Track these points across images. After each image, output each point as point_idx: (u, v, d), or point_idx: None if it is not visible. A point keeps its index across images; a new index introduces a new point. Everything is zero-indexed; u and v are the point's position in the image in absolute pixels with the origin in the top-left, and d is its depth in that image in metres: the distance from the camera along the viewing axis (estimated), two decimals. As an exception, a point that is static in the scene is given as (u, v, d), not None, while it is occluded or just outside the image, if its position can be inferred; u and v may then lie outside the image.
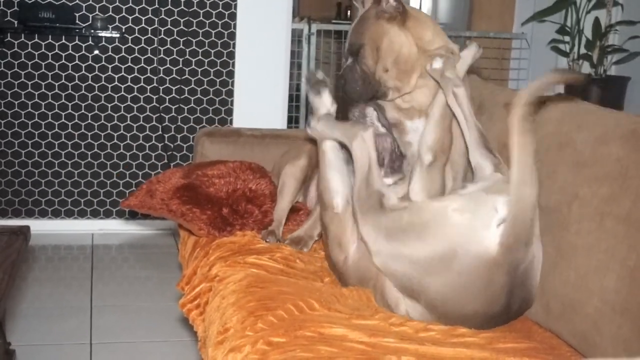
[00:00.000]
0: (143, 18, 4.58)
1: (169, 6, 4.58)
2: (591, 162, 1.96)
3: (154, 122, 4.69)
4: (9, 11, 4.41)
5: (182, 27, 4.62)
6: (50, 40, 4.49)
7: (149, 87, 4.65)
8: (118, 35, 4.54)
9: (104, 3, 4.51)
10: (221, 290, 2.23)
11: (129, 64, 4.61)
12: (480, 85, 2.76)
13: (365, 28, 2.35)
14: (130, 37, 4.59)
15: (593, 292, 1.84)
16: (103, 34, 4.51)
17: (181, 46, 4.65)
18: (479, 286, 1.91)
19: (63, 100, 4.55)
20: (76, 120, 4.59)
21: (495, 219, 1.90)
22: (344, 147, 2.29)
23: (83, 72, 4.56)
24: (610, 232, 1.83)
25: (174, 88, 4.68)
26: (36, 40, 4.48)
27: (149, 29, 4.59)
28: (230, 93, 4.73)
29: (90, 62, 4.56)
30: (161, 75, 4.65)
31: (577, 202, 1.95)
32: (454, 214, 1.94)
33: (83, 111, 4.59)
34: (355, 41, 2.36)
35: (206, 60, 4.69)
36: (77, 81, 4.56)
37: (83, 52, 4.54)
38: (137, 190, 2.90)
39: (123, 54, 4.59)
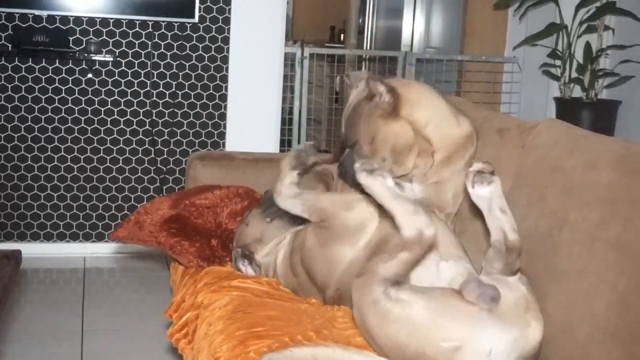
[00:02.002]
0: (136, 42, 4.60)
1: (162, 30, 4.60)
2: (581, 186, 1.97)
3: (146, 146, 4.70)
4: (3, 35, 4.42)
5: (175, 50, 4.64)
6: (44, 64, 4.51)
7: (142, 111, 4.66)
8: (111, 58, 4.56)
9: (97, 27, 4.53)
10: (207, 317, 2.22)
11: (122, 87, 4.62)
12: (473, 110, 2.77)
13: (358, 124, 2.33)
14: (123, 61, 4.60)
15: (583, 317, 1.84)
16: (97, 57, 4.53)
17: (174, 70, 4.66)
18: None
19: (56, 124, 4.56)
20: (69, 144, 4.60)
21: None
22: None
23: (76, 95, 4.57)
24: (601, 257, 1.83)
25: (166, 111, 4.70)
26: (30, 63, 4.49)
27: (142, 52, 4.61)
28: (223, 116, 4.74)
29: (83, 85, 4.57)
30: (154, 98, 4.67)
31: (568, 227, 1.95)
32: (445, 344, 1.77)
33: (76, 134, 4.60)
34: (350, 136, 2.36)
35: (199, 84, 4.71)
36: (70, 104, 4.57)
37: (77, 75, 4.56)
38: (125, 222, 2.84)
39: (116, 77, 4.61)
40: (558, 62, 4.73)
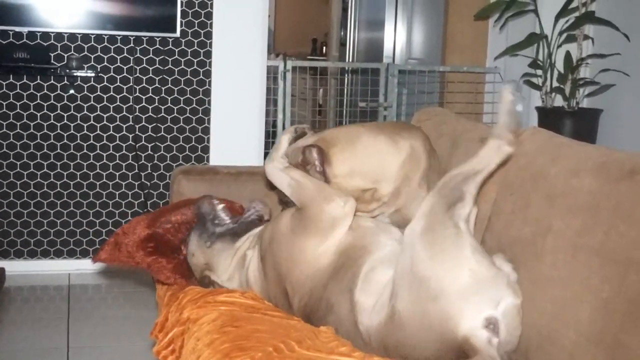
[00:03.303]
0: (118, 57, 4.59)
1: (144, 45, 4.60)
2: (564, 194, 1.99)
3: (130, 161, 4.69)
4: (-17, 52, 4.41)
5: (157, 65, 4.64)
6: (25, 81, 4.49)
7: (125, 126, 4.65)
8: (93, 74, 4.55)
9: (79, 42, 4.52)
10: (196, 332, 2.22)
11: (105, 103, 4.61)
12: (454, 120, 2.78)
13: None
14: (105, 76, 4.60)
15: (569, 324, 1.85)
16: (78, 73, 4.52)
17: (157, 84, 4.66)
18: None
19: (39, 140, 4.54)
20: (52, 160, 4.58)
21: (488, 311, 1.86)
22: None
23: (59, 111, 4.56)
24: (584, 264, 1.85)
25: (150, 126, 4.69)
26: (11, 80, 4.48)
27: (124, 67, 4.61)
28: (206, 130, 4.74)
29: (65, 101, 4.56)
30: (137, 113, 4.66)
31: (551, 234, 1.97)
32: (468, 274, 1.87)
33: (59, 151, 4.58)
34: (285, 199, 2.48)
35: (182, 98, 4.70)
36: (52, 121, 4.55)
37: (58, 91, 4.54)
38: (105, 244, 2.81)
39: (99, 93, 4.60)
40: (539, 72, 4.75)
